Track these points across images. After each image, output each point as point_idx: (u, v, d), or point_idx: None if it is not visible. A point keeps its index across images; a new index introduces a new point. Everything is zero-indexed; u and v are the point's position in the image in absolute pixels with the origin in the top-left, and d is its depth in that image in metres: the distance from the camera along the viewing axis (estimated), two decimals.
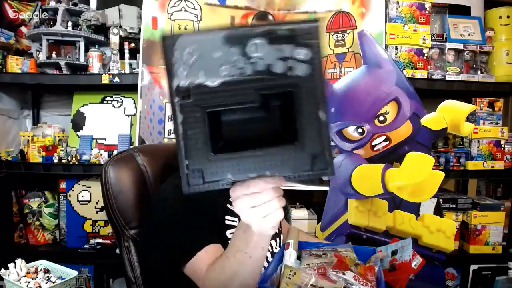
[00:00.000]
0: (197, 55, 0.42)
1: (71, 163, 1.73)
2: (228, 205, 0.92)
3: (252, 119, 0.46)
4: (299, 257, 0.90)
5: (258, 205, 0.51)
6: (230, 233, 0.88)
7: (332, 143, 1.61)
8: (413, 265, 0.91)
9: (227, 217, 0.90)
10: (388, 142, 1.41)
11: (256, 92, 0.43)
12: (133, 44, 1.80)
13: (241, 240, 0.64)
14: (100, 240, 1.81)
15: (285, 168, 0.45)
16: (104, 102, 1.95)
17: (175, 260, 0.81)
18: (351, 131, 1.43)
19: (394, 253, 0.96)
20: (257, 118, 0.46)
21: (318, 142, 0.44)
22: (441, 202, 1.56)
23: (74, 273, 1.16)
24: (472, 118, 1.83)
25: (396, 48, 1.76)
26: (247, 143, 0.45)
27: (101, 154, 1.76)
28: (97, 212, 1.84)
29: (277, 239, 1.02)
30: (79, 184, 1.84)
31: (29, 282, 1.10)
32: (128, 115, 1.94)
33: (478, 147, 1.82)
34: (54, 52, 1.75)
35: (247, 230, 0.62)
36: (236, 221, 0.90)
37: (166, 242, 0.83)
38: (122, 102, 1.95)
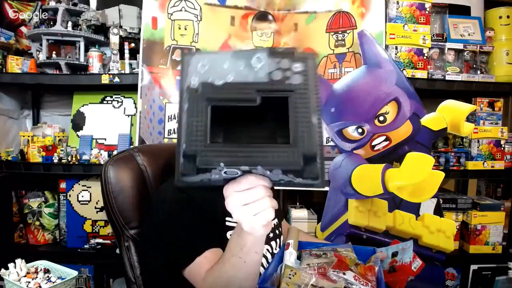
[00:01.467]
0: (208, 66, 0.51)
1: (71, 163, 1.73)
2: None
3: (250, 118, 0.50)
4: (299, 257, 0.90)
5: (249, 202, 0.53)
6: (230, 234, 0.88)
7: (332, 143, 1.61)
8: (413, 267, 0.91)
9: (227, 218, 0.89)
10: (388, 142, 1.41)
11: (257, 93, 0.48)
12: (133, 44, 1.80)
13: (235, 245, 0.66)
14: (100, 240, 1.81)
15: (277, 164, 0.47)
16: (104, 102, 1.95)
17: (175, 263, 0.81)
18: (351, 131, 1.43)
19: (394, 254, 0.96)
20: (255, 118, 0.51)
21: (310, 143, 0.47)
22: (441, 202, 1.56)
23: (74, 273, 1.16)
24: (472, 118, 1.83)
25: (396, 48, 1.76)
26: (243, 139, 0.49)
27: (101, 154, 1.76)
28: (97, 212, 1.84)
29: (277, 240, 1.02)
30: (79, 184, 1.84)
31: (29, 282, 1.10)
32: (128, 115, 1.94)
33: (478, 147, 1.82)
34: (54, 52, 1.75)
35: (241, 235, 0.64)
36: (236, 222, 0.90)
37: (166, 243, 0.83)
38: (122, 102, 1.95)
